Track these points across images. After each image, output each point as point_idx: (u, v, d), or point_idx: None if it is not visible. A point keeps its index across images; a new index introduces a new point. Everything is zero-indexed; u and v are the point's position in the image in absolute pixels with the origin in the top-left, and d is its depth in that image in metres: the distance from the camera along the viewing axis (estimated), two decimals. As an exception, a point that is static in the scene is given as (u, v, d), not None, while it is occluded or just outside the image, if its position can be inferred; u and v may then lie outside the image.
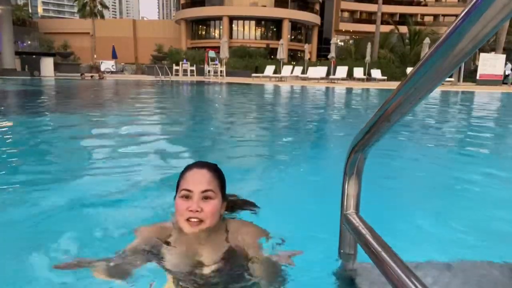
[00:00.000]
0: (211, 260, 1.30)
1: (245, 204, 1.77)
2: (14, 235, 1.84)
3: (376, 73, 24.41)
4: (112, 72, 30.10)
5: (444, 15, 51.17)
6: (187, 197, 1.26)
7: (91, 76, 23.80)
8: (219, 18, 45.01)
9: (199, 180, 1.27)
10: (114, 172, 3.00)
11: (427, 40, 23.80)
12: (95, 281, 1.26)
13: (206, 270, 1.29)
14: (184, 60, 27.93)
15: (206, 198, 1.26)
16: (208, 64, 26.14)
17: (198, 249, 1.31)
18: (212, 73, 25.48)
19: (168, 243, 1.34)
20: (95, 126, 5.70)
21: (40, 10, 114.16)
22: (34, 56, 24.82)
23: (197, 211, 1.24)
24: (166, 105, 9.69)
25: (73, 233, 1.80)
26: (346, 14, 53.76)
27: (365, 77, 24.35)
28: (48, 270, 1.35)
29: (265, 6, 44.72)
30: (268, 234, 1.41)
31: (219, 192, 1.31)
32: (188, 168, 1.34)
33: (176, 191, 1.31)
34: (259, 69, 28.22)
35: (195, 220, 1.24)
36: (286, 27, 45.28)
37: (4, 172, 3.02)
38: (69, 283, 1.31)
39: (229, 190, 1.45)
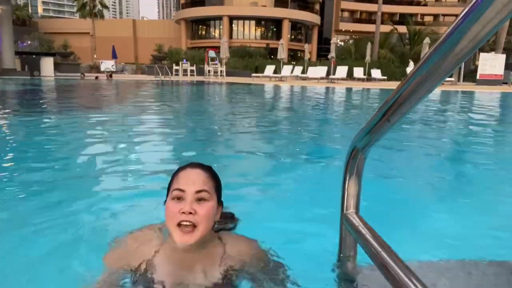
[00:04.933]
0: (208, 278, 1.17)
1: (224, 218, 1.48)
2: (12, 234, 1.84)
3: (376, 73, 24.41)
4: (112, 72, 30.06)
5: (444, 15, 51.20)
6: (179, 198, 1.13)
7: (96, 77, 23.34)
8: (219, 18, 45.01)
9: (193, 180, 1.15)
10: (113, 173, 3.00)
11: (427, 40, 23.79)
12: None
13: None
14: (184, 60, 27.91)
15: (200, 199, 1.14)
16: (208, 64, 26.14)
17: (191, 265, 1.18)
18: (212, 73, 25.48)
19: (156, 259, 1.19)
20: (97, 126, 5.70)
21: (40, 10, 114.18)
22: (34, 56, 24.79)
23: (190, 213, 1.11)
24: (167, 105, 9.68)
25: (77, 232, 1.81)
26: (346, 14, 53.77)
27: (365, 77, 24.34)
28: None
29: (265, 6, 44.72)
30: (264, 251, 1.31)
31: (214, 194, 1.19)
32: (181, 168, 1.22)
33: (167, 195, 1.18)
34: (259, 69, 28.20)
35: (188, 224, 1.11)
36: (286, 27, 45.27)
37: (4, 172, 3.02)
38: None
39: (226, 190, 1.36)
